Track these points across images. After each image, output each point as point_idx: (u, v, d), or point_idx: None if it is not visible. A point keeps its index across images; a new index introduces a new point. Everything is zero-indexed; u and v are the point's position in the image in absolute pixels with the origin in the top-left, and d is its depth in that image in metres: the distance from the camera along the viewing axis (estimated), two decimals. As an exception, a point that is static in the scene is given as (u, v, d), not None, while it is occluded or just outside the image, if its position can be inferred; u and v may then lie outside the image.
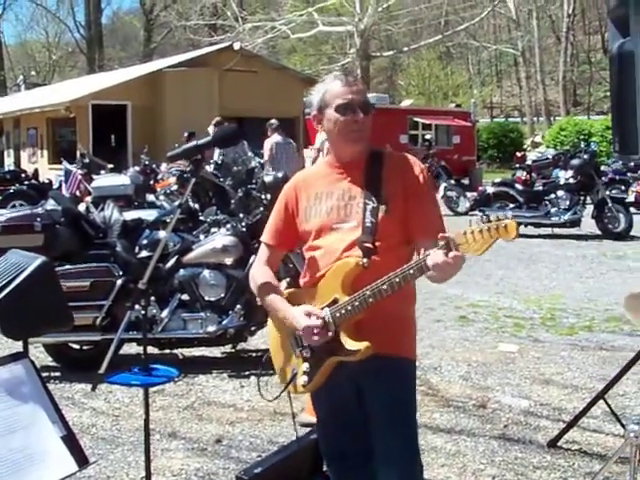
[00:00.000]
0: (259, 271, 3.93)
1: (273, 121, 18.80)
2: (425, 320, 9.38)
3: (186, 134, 19.80)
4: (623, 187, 22.23)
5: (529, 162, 23.31)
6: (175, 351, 8.31)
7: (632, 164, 21.23)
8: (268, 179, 8.35)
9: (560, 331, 9.53)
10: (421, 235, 3.53)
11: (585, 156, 18.53)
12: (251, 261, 7.81)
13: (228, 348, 8.48)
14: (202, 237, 8.27)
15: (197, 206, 9.84)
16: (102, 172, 18.63)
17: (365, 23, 30.82)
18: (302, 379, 3.66)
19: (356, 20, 31.08)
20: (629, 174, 23.39)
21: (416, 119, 34.24)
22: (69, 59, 74.22)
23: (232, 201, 8.61)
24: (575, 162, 18.36)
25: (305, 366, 3.65)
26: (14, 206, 16.77)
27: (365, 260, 3.49)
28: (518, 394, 7.24)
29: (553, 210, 18.04)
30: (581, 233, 18.17)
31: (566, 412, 6.69)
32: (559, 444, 5.99)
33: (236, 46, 29.30)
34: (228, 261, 7.97)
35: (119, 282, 7.82)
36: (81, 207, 10.32)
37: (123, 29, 76.78)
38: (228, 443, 6.15)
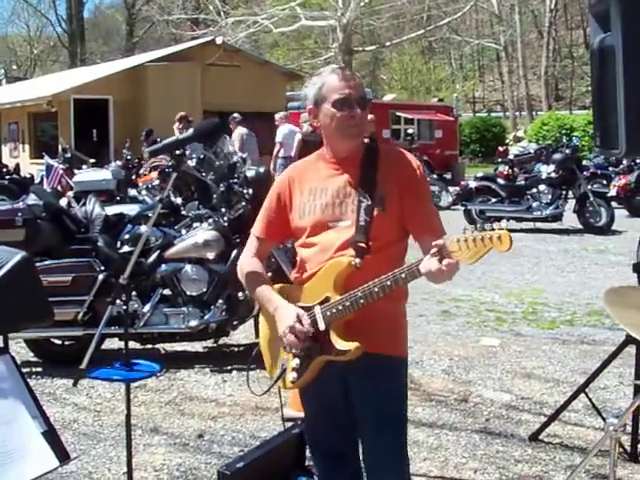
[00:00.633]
0: (248, 263, 3.87)
1: (236, 115, 18.89)
2: (407, 314, 9.36)
3: (144, 132, 19.81)
4: (605, 181, 22.29)
5: (511, 157, 23.34)
6: (157, 346, 8.32)
7: (613, 159, 21.28)
8: (250, 174, 8.34)
9: (542, 325, 9.56)
10: (422, 234, 3.52)
11: (567, 151, 18.60)
12: (233, 255, 7.82)
13: (210, 343, 8.48)
14: (184, 232, 8.27)
15: (179, 201, 9.81)
16: (84, 167, 18.55)
17: (347, 17, 30.76)
18: (291, 375, 3.63)
19: (338, 14, 31.01)
20: (611, 168, 23.46)
21: (398, 114, 34.20)
22: (51, 53, 73.85)
23: (214, 196, 8.58)
24: (557, 157, 18.40)
25: (295, 362, 3.61)
26: (-5, 201, 16.70)
27: (358, 260, 3.46)
28: (500, 388, 7.26)
29: (535, 204, 18.09)
30: (563, 227, 18.23)
31: (547, 406, 6.71)
32: (540, 438, 6.02)
33: (218, 40, 29.22)
34: (210, 256, 7.97)
35: (101, 277, 7.80)
36: (63, 202, 10.27)
37: (105, 23, 76.52)
38: (210, 438, 6.15)
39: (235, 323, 8.11)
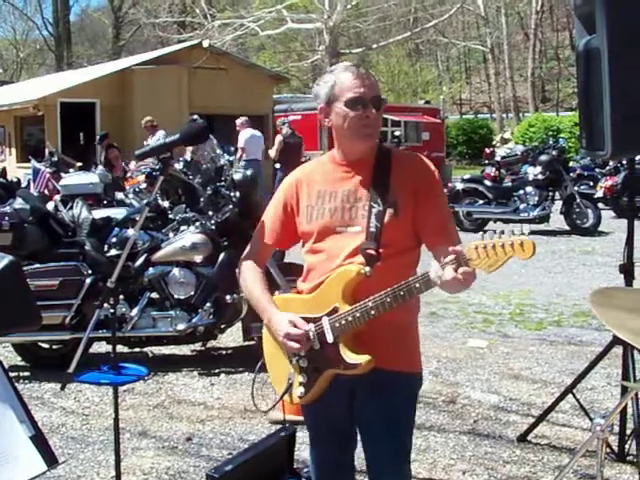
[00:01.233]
0: (248, 266, 3.75)
1: (195, 117, 18.95)
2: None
3: (99, 136, 19.76)
4: (591, 183, 22.36)
5: (498, 158, 23.33)
6: (145, 349, 8.30)
7: (600, 160, 21.34)
8: (237, 177, 8.34)
9: (529, 326, 9.58)
10: (435, 241, 3.35)
11: (554, 152, 18.62)
12: (220, 259, 7.82)
13: (198, 346, 8.48)
14: (171, 235, 8.25)
15: (166, 204, 9.80)
16: (71, 170, 18.52)
17: (334, 20, 30.77)
18: (298, 390, 3.49)
19: (325, 17, 31.03)
20: (597, 170, 23.53)
21: (385, 116, 34.08)
22: (37, 57, 73.62)
23: (201, 199, 8.58)
24: (544, 158, 18.43)
25: (302, 377, 3.48)
26: (-18, 205, 16.65)
27: (367, 269, 3.31)
28: (487, 389, 7.28)
29: (522, 206, 18.13)
30: (550, 229, 18.28)
31: (535, 407, 6.73)
32: (528, 439, 6.03)
33: (205, 44, 29.18)
34: (197, 259, 7.96)
35: (88, 281, 7.80)
36: (50, 206, 10.24)
37: (91, 26, 76.27)
38: (198, 441, 6.15)
39: (223, 326, 8.12)
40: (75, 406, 6.98)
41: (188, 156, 9.78)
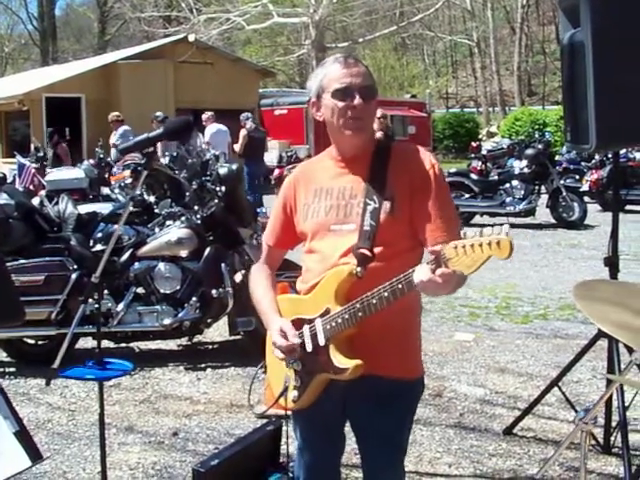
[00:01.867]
0: (256, 269, 3.71)
1: (159, 114, 18.95)
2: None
3: (49, 133, 19.70)
4: (577, 176, 22.41)
5: (484, 152, 23.34)
6: (131, 344, 8.29)
7: (585, 154, 21.40)
8: (223, 171, 8.33)
9: (515, 320, 9.61)
10: (431, 240, 3.18)
11: (540, 146, 18.65)
12: (206, 253, 7.82)
13: (184, 341, 8.48)
14: (157, 230, 8.24)
15: (152, 199, 9.78)
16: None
17: (320, 14, 30.78)
18: (292, 394, 3.43)
19: (311, 11, 31.03)
20: (583, 163, 23.57)
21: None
22: (22, 51, 73.31)
23: (187, 193, 8.56)
24: (530, 152, 18.46)
25: (296, 380, 3.41)
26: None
27: (359, 269, 3.20)
28: (474, 383, 7.30)
29: (508, 199, 18.15)
30: (536, 222, 18.31)
31: (521, 400, 6.75)
32: (514, 432, 6.05)
33: (191, 38, 29.16)
34: (183, 253, 7.96)
35: (74, 276, 7.78)
36: (35, 201, 10.20)
37: (77, 21, 76.05)
38: (185, 436, 6.15)
39: (209, 321, 8.11)
40: (61, 402, 6.97)
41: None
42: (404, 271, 3.03)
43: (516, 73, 63.23)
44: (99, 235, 8.13)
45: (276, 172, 24.72)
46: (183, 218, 8.15)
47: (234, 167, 8.47)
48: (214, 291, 7.73)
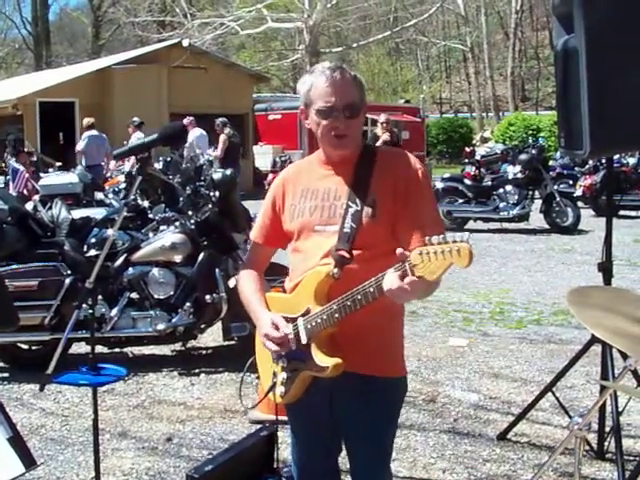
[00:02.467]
0: (245, 269, 3.76)
1: (135, 119, 18.99)
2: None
3: (12, 140, 19.67)
4: (571, 182, 22.44)
5: (478, 157, 23.34)
6: (124, 350, 8.28)
7: (579, 159, 21.42)
8: (216, 176, 8.33)
9: (509, 325, 9.61)
10: (411, 244, 3.17)
11: (533, 151, 18.68)
12: (200, 258, 7.82)
13: (178, 346, 8.47)
14: (151, 235, 8.24)
15: (146, 204, 9.78)
16: (50, 170, 18.47)
17: (314, 19, 30.74)
18: (279, 389, 3.50)
19: (305, 16, 30.99)
20: (577, 169, 23.59)
21: (365, 115, 34.21)
22: (16, 56, 73.15)
23: (181, 199, 8.57)
24: (523, 157, 18.47)
25: (282, 376, 3.48)
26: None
27: (336, 270, 3.26)
28: (468, 388, 7.30)
29: (502, 205, 18.17)
30: (529, 227, 18.33)
31: (515, 405, 6.75)
32: (508, 437, 6.06)
33: (185, 43, 29.11)
34: (177, 259, 7.95)
35: (67, 281, 7.77)
36: (29, 206, 10.21)
37: (71, 25, 75.92)
38: (179, 441, 6.14)
39: (203, 326, 8.11)
40: (54, 407, 6.96)
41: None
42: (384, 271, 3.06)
43: (510, 78, 63.29)
44: (93, 240, 8.12)
45: (270, 177, 24.74)
46: (177, 223, 8.15)
47: (228, 172, 8.47)
48: (208, 296, 7.73)
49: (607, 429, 5.54)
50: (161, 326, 7.83)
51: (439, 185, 19.11)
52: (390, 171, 3.39)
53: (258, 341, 3.63)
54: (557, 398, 5.90)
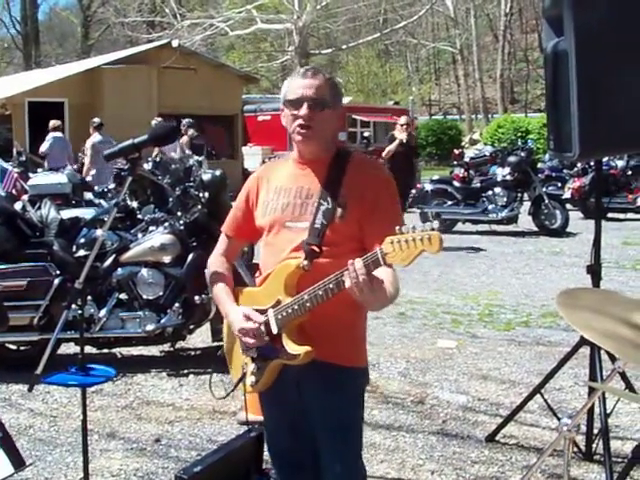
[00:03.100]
0: (213, 262, 3.90)
1: (96, 119, 18.98)
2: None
3: None
4: (559, 184, 22.46)
5: (467, 159, 23.34)
6: (113, 350, 8.26)
7: (568, 162, 21.46)
8: (206, 177, 8.34)
9: (497, 327, 9.63)
10: (371, 244, 3.27)
11: (522, 153, 18.70)
12: (189, 259, 7.81)
13: (167, 347, 8.45)
14: (140, 235, 8.23)
15: (135, 204, 9.77)
16: (39, 170, 18.42)
17: (304, 21, 30.76)
18: (250, 379, 3.63)
19: (295, 18, 31.01)
20: (565, 171, 23.63)
21: (354, 116, 34.23)
22: (5, 55, 72.99)
23: (170, 199, 8.56)
24: (512, 159, 18.51)
25: (253, 366, 3.60)
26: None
27: (306, 263, 3.40)
28: (456, 390, 7.31)
29: (490, 207, 18.19)
30: (518, 230, 18.35)
31: (504, 407, 6.77)
32: (497, 439, 6.06)
33: (174, 43, 29.08)
34: (166, 259, 7.95)
35: (56, 281, 7.75)
36: (17, 206, 10.17)
37: (60, 25, 75.81)
38: (167, 442, 6.14)
39: (191, 327, 8.11)
40: (43, 408, 6.94)
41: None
42: None
43: (499, 80, 63.51)
44: (82, 240, 8.11)
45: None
46: (166, 224, 8.14)
47: (217, 173, 8.47)
48: (197, 297, 7.72)
49: (595, 431, 5.54)
50: (150, 327, 7.82)
51: (428, 187, 19.12)
52: (360, 177, 3.54)
53: (226, 334, 3.80)
54: (545, 400, 5.90)
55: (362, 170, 3.57)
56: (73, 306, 4.68)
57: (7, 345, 8.02)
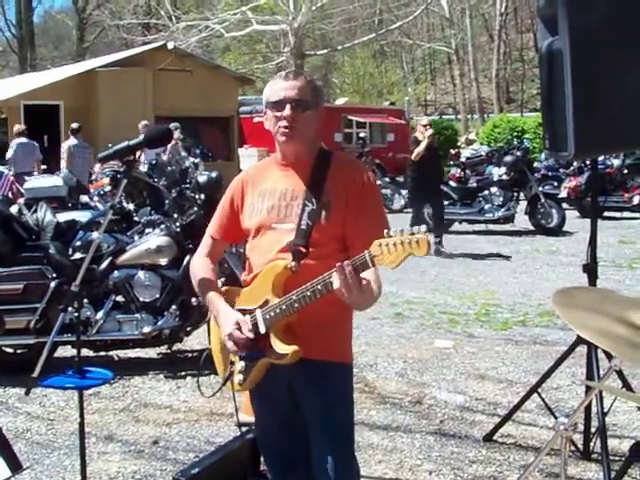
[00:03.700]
0: (199, 263, 3.95)
1: (74, 124, 18.96)
2: (361, 318, 9.40)
3: None
4: (555, 183, 22.47)
5: (463, 159, 23.37)
6: (110, 353, 8.26)
7: (563, 161, 21.46)
8: (202, 179, 8.34)
9: (494, 326, 9.63)
10: (355, 245, 3.40)
11: (518, 153, 18.71)
12: (186, 261, 7.80)
13: (164, 349, 8.45)
14: (136, 238, 8.23)
15: (131, 207, 9.77)
16: (35, 173, 18.42)
17: (299, 22, 30.76)
18: (238, 378, 3.66)
19: (290, 19, 31.00)
20: (561, 170, 23.63)
21: (350, 117, 34.19)
22: (0, 58, 73.03)
23: (166, 201, 8.56)
24: (508, 159, 18.52)
25: (241, 365, 3.63)
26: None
27: (294, 264, 3.46)
28: (454, 389, 7.31)
29: (487, 206, 18.21)
30: (515, 229, 18.37)
31: (501, 406, 6.77)
32: (494, 438, 6.06)
33: (170, 45, 29.05)
34: (163, 262, 7.94)
35: (53, 284, 7.74)
36: (13, 209, 10.17)
37: (55, 28, 75.75)
38: (165, 444, 6.13)
39: (188, 329, 8.11)
40: (40, 411, 6.94)
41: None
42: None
43: (494, 80, 63.46)
44: (78, 243, 8.10)
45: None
46: (162, 226, 8.14)
47: (213, 175, 8.47)
48: (194, 299, 7.71)
49: (593, 429, 5.55)
50: (147, 329, 7.82)
51: (424, 187, 19.11)
52: (343, 177, 3.60)
53: (213, 332, 3.85)
54: (543, 399, 5.91)
55: (345, 170, 3.63)
56: (69, 309, 4.67)
57: (4, 348, 8.00)
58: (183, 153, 9.04)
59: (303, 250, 3.48)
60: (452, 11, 60.83)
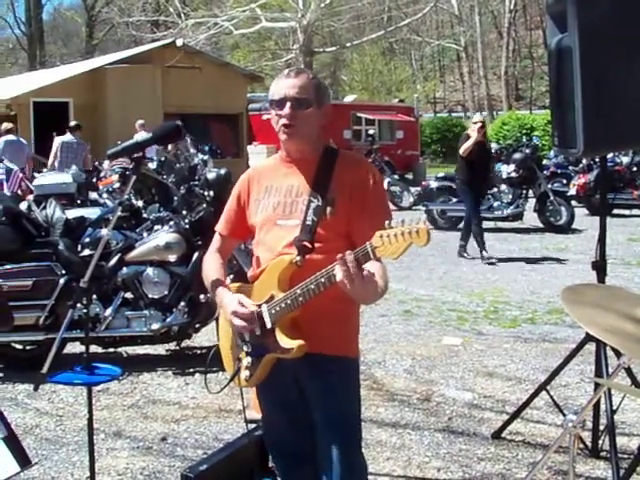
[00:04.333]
0: (209, 258, 3.98)
1: (73, 122, 18.93)
2: (369, 315, 9.43)
3: None
4: (565, 180, 22.43)
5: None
6: (119, 349, 8.27)
7: (573, 158, 21.43)
8: (211, 176, 8.34)
9: (503, 324, 9.62)
10: (359, 240, 3.30)
11: (527, 150, 18.68)
12: (194, 258, 7.81)
13: (172, 346, 8.45)
14: (145, 235, 8.23)
15: (140, 203, 9.77)
16: (44, 170, 18.45)
17: (308, 19, 30.78)
18: (244, 373, 3.68)
19: (299, 16, 31.03)
20: (570, 168, 23.62)
21: (359, 114, 34.21)
22: (9, 56, 73.07)
23: (175, 198, 8.56)
24: (517, 156, 18.48)
25: (247, 361, 3.65)
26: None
27: (299, 258, 3.48)
28: (462, 387, 7.30)
29: (496, 204, 18.16)
30: (524, 226, 18.35)
31: (509, 404, 6.76)
32: (503, 435, 6.05)
33: (179, 42, 29.09)
34: (171, 258, 7.94)
35: (62, 281, 7.75)
36: (23, 206, 10.17)
37: (65, 25, 75.88)
38: (173, 441, 6.13)
39: (197, 326, 8.11)
40: (49, 407, 6.95)
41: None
42: None
43: (503, 77, 63.36)
44: (87, 240, 8.11)
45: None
46: (171, 223, 8.14)
47: (222, 172, 8.47)
48: (202, 296, 7.71)
49: (601, 427, 5.55)
50: (155, 325, 7.83)
51: (433, 184, 19.14)
52: (348, 174, 3.62)
53: (222, 329, 3.87)
54: (551, 396, 5.90)
55: (350, 168, 3.65)
56: (78, 305, 4.68)
57: (13, 345, 8.02)
58: (192, 150, 9.02)
59: (308, 245, 3.50)
60: (461, 8, 60.81)
